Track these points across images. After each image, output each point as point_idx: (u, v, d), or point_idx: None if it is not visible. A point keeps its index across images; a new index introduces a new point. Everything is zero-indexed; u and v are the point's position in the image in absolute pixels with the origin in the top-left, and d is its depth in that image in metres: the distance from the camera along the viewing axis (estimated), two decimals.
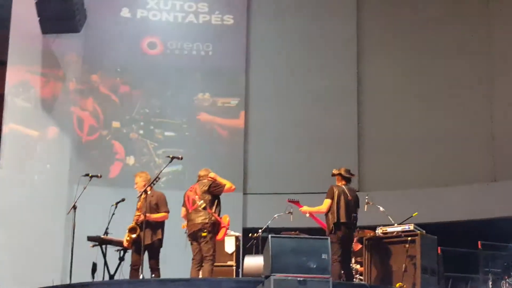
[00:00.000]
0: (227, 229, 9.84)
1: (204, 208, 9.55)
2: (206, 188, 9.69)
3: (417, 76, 14.56)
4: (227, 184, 9.80)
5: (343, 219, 9.76)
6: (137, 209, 9.82)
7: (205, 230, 9.51)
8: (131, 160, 14.68)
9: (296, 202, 10.53)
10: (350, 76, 15.02)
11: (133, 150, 14.82)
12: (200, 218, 9.54)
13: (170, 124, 15.09)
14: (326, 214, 9.91)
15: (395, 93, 14.65)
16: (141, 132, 15.01)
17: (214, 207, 9.64)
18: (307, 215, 10.38)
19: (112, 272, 10.01)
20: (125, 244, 9.75)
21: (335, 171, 10.33)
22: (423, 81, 14.38)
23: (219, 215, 9.68)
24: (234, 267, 10.90)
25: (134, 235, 9.62)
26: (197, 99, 15.28)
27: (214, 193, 9.69)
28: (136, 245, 9.63)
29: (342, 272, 9.64)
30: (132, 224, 9.68)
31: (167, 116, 15.14)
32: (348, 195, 9.95)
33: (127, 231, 9.69)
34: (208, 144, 15.02)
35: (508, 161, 13.13)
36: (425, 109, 14.36)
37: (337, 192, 9.95)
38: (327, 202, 9.92)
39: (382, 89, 14.80)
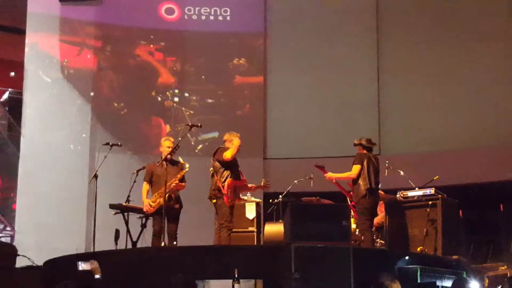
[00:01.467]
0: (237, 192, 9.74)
1: (212, 176, 9.58)
2: (213, 155, 9.71)
3: (437, 41, 14.31)
4: (226, 154, 9.63)
5: (374, 185, 9.78)
6: (158, 176, 9.80)
7: (213, 197, 9.56)
8: (167, 128, 14.72)
9: (322, 168, 10.48)
10: (370, 41, 14.86)
11: (168, 118, 14.84)
12: (211, 186, 9.60)
13: (205, 91, 15.03)
14: (355, 180, 9.89)
15: (414, 57, 14.43)
16: (176, 99, 15.03)
17: (221, 174, 9.62)
18: (333, 181, 10.36)
19: (134, 239, 10.08)
20: (150, 209, 9.78)
21: (356, 141, 10.31)
22: (443, 46, 14.16)
23: (234, 179, 9.63)
24: (255, 233, 10.92)
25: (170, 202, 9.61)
26: (232, 64, 15.19)
27: (218, 160, 9.67)
28: (161, 212, 9.67)
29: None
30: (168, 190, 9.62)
31: (200, 83, 15.09)
32: (375, 162, 9.96)
33: (157, 196, 9.66)
34: (234, 110, 14.99)
35: None
36: (443, 74, 14.13)
37: (366, 158, 9.95)
38: (356, 167, 9.89)
39: (401, 54, 14.60)
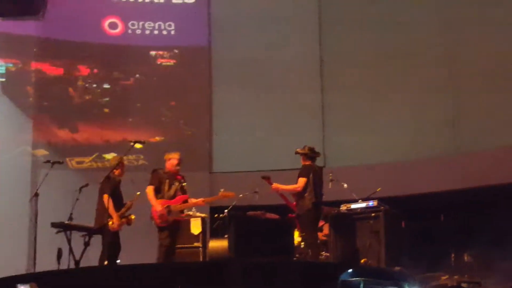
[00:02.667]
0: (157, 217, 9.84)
1: None
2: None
3: (380, 51, 14.47)
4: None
5: (319, 198, 9.82)
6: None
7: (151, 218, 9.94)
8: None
9: (268, 179, 10.48)
10: (313, 51, 14.95)
11: (111, 134, 14.67)
12: None
13: (136, 108, 14.92)
14: (300, 192, 9.90)
15: (358, 70, 14.50)
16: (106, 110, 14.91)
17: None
18: (279, 192, 10.36)
19: (77, 258, 9.95)
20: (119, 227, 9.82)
21: (299, 150, 10.32)
22: (387, 55, 14.31)
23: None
24: (200, 249, 10.88)
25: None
26: (177, 77, 15.20)
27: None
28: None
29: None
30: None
31: (145, 97, 15.01)
32: (319, 174, 10.00)
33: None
34: (175, 128, 14.91)
35: (469, 134, 13.17)
36: (386, 88, 14.26)
37: (312, 170, 9.97)
38: (302, 180, 9.91)
39: (345, 67, 14.66)
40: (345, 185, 10.70)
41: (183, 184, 10.13)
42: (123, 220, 9.95)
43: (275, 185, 10.31)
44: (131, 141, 10.50)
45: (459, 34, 13.66)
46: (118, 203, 10.01)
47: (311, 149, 10.34)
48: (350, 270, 8.48)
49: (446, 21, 13.84)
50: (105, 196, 9.74)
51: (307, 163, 10.24)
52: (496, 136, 12.59)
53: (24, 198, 11.33)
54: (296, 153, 10.34)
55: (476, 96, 13.12)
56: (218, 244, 10.32)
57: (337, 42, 14.85)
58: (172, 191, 9.98)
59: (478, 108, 13.03)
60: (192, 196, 12.30)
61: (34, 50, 14.60)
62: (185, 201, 10.08)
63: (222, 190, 10.24)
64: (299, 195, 10.04)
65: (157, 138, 14.57)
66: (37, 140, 14.08)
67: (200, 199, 10.21)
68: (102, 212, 9.84)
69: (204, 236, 11.04)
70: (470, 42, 13.46)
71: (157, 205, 9.78)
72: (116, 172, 10.19)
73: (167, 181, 10.01)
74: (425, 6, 14.14)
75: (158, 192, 9.93)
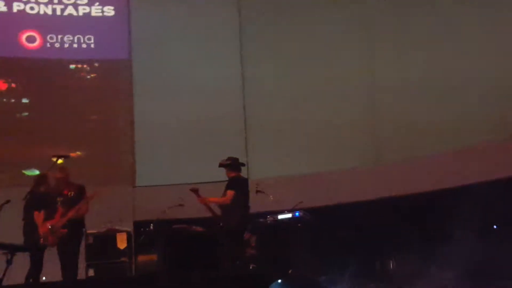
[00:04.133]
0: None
1: None
2: None
3: (302, 60, 14.65)
4: None
5: (247, 210, 9.83)
6: None
7: None
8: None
9: (196, 192, 10.43)
10: (234, 66, 15.07)
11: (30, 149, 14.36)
12: None
13: (57, 122, 14.70)
14: (228, 205, 9.86)
15: (279, 80, 14.69)
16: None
17: None
18: (206, 205, 10.34)
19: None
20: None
21: (223, 162, 10.30)
22: (307, 64, 14.50)
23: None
24: (127, 263, 10.82)
25: None
26: (98, 90, 15.04)
27: None
28: None
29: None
30: None
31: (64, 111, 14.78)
32: (246, 185, 10.02)
33: None
34: (97, 142, 14.78)
35: (388, 145, 13.46)
36: (307, 96, 14.44)
37: (240, 183, 9.97)
38: (231, 193, 9.86)
39: (267, 76, 14.81)
40: (271, 197, 10.79)
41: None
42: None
43: (203, 198, 10.28)
44: (53, 156, 10.39)
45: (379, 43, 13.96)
46: (50, 217, 9.93)
47: (236, 160, 10.36)
48: (279, 281, 8.61)
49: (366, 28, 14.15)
50: (36, 213, 9.69)
51: (233, 174, 10.22)
52: (412, 147, 12.91)
53: None
54: (220, 165, 10.31)
55: (394, 107, 13.44)
56: (146, 258, 10.31)
57: (257, 55, 14.98)
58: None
59: (395, 120, 13.33)
60: (113, 211, 12.33)
61: None
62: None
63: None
64: (227, 207, 10.02)
65: (79, 153, 14.38)
66: None
67: None
68: (31, 228, 9.73)
69: (130, 251, 10.97)
70: (387, 54, 13.80)
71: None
72: (42, 188, 10.11)
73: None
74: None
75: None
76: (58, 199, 10.03)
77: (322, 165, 13.70)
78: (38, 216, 9.91)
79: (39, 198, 10.03)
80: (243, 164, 10.54)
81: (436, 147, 12.52)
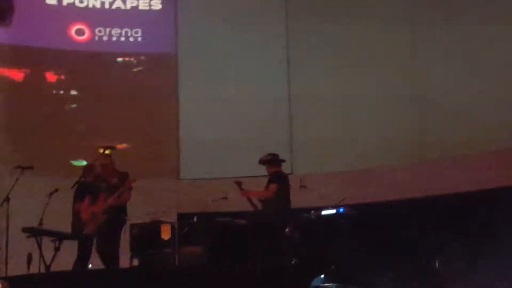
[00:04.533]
0: None
1: None
2: None
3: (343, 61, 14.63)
4: None
5: (288, 205, 9.91)
6: None
7: None
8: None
9: (240, 185, 10.54)
10: (281, 60, 15.06)
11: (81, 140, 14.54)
12: None
13: (103, 114, 14.88)
14: (270, 199, 9.94)
15: (327, 75, 14.61)
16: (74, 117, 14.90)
17: None
18: (248, 198, 10.41)
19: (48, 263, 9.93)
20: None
21: (265, 157, 10.39)
22: (349, 62, 14.46)
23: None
24: (170, 254, 10.90)
25: None
26: (143, 84, 15.17)
27: None
28: None
29: None
30: None
31: (113, 104, 14.95)
32: (287, 180, 10.09)
33: None
34: (143, 135, 14.92)
35: (434, 142, 13.35)
36: (356, 92, 14.32)
37: (283, 177, 10.06)
38: (274, 186, 9.96)
39: (314, 70, 14.76)
40: (315, 193, 10.82)
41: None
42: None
43: (245, 191, 10.38)
44: (100, 147, 10.56)
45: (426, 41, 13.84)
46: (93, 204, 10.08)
47: (276, 156, 10.45)
48: (321, 276, 8.66)
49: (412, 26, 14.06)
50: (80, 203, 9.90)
51: (274, 169, 10.32)
52: (461, 144, 12.78)
53: None
54: (261, 161, 10.42)
55: (441, 103, 13.34)
56: (189, 250, 10.40)
57: (304, 47, 14.95)
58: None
59: (442, 116, 13.23)
60: (158, 203, 12.45)
61: (3, 56, 14.50)
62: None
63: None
64: (269, 201, 10.11)
65: (125, 145, 14.56)
66: (6, 146, 14.01)
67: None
68: (78, 217, 9.91)
69: (173, 242, 11.06)
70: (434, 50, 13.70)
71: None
72: (89, 178, 10.27)
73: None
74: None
75: None
76: (101, 186, 10.15)
77: (367, 161, 13.64)
78: (82, 203, 10.06)
79: (86, 187, 10.19)
80: (283, 160, 10.63)
81: (483, 145, 12.38)
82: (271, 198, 10.03)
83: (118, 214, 10.09)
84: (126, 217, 10.32)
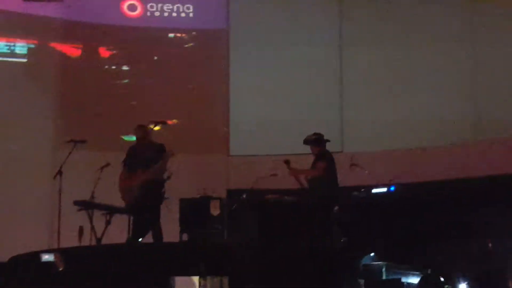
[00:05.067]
0: None
1: None
2: None
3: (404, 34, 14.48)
4: None
5: (336, 184, 9.87)
6: None
7: None
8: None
9: (288, 163, 10.53)
10: (333, 37, 14.90)
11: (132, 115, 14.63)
12: None
13: (154, 90, 14.95)
14: (318, 178, 9.91)
15: (380, 50, 14.42)
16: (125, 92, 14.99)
17: None
18: (296, 177, 10.39)
19: (98, 236, 10.05)
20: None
21: (310, 137, 10.35)
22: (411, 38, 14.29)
23: None
24: (220, 230, 10.96)
25: None
26: (194, 60, 15.15)
27: None
28: None
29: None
30: None
31: (163, 80, 14.97)
32: (333, 159, 10.04)
33: None
34: (193, 111, 14.93)
35: (489, 121, 13.11)
36: (409, 69, 14.18)
37: (330, 156, 10.02)
38: (323, 165, 9.92)
39: (366, 45, 14.54)
40: (366, 171, 10.74)
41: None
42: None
43: (294, 169, 10.36)
44: (151, 122, 10.61)
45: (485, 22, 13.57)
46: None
47: (321, 135, 10.43)
48: (371, 254, 8.59)
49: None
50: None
51: (320, 148, 10.29)
52: None
53: (47, 176, 11.43)
54: (306, 141, 10.37)
55: (498, 85, 13.06)
56: (238, 226, 10.43)
57: (358, 23, 14.76)
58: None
59: (499, 96, 12.98)
60: (207, 179, 12.50)
61: (56, 31, 14.64)
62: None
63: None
64: (317, 179, 10.08)
65: (175, 121, 14.61)
66: (59, 120, 14.20)
67: None
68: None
69: (223, 218, 11.11)
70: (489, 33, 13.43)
71: None
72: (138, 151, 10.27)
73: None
74: None
75: None
76: (138, 157, 10.12)
77: (419, 140, 13.47)
78: (121, 175, 10.10)
79: (132, 161, 10.20)
80: (328, 140, 10.57)
81: None
82: (319, 176, 9.97)
83: (155, 187, 10.05)
84: (163, 190, 10.24)
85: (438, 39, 13.95)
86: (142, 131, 10.25)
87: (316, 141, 10.33)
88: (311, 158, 10.61)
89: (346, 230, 10.19)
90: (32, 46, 14.61)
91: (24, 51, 14.50)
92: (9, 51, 14.40)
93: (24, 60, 14.51)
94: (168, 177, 10.40)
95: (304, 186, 10.48)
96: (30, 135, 13.83)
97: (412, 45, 14.17)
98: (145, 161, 10.06)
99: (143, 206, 9.92)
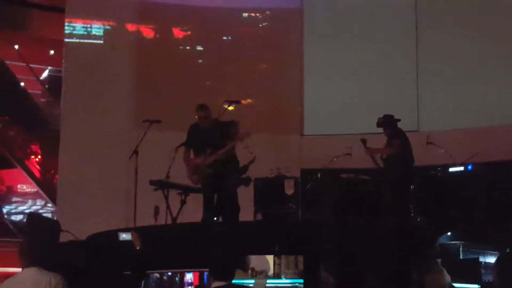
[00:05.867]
0: None
1: None
2: None
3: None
4: None
5: (413, 162, 9.76)
6: None
7: None
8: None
9: (364, 142, 10.46)
10: (409, 16, 14.64)
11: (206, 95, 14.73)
12: None
13: (228, 70, 15.01)
14: (392, 157, 9.80)
15: (455, 28, 14.11)
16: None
17: None
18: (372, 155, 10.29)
19: (174, 215, 10.16)
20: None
21: (382, 119, 10.25)
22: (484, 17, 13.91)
23: None
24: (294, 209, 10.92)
25: None
26: (268, 39, 15.16)
27: None
28: None
29: None
30: None
31: (237, 59, 15.04)
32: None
33: None
34: (267, 90, 14.92)
35: None
36: (483, 47, 13.85)
37: (404, 135, 9.92)
38: (397, 143, 9.83)
39: (442, 23, 14.27)
40: (442, 149, 10.57)
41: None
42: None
43: (370, 148, 10.29)
44: (225, 102, 10.60)
45: None
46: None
47: (392, 116, 10.33)
48: (449, 233, 8.45)
49: None
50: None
51: (394, 128, 10.19)
52: None
53: (123, 155, 11.60)
54: (379, 124, 10.25)
55: None
56: (313, 205, 10.41)
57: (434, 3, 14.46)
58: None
59: None
60: (281, 158, 12.48)
61: (131, 12, 14.83)
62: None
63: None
64: (392, 158, 9.97)
65: (249, 100, 14.63)
66: (134, 101, 14.43)
67: None
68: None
69: (297, 197, 11.07)
70: None
71: None
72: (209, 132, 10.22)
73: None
74: None
75: None
76: (204, 138, 10.03)
77: (496, 118, 13.14)
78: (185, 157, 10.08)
79: (197, 141, 10.13)
80: (399, 119, 10.44)
81: None
82: (394, 155, 9.86)
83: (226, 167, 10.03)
84: (246, 173, 10.33)
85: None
86: (205, 111, 10.14)
87: (387, 122, 10.22)
88: (385, 138, 10.51)
89: (424, 209, 10.04)
90: (108, 27, 14.86)
91: (100, 32, 14.76)
92: (85, 32, 14.68)
93: (101, 41, 14.75)
94: (252, 161, 10.47)
95: (379, 166, 10.38)
96: (107, 115, 14.12)
97: (487, 28, 13.79)
98: (213, 140, 10.00)
99: (218, 185, 9.93)
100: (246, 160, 10.49)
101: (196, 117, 10.06)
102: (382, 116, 10.50)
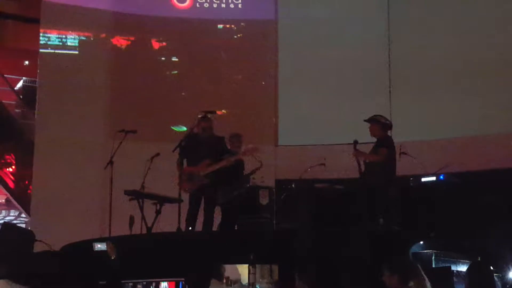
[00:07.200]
0: None
1: None
2: None
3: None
4: None
5: (395, 172, 9.76)
6: None
7: None
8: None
9: (355, 144, 10.34)
10: (380, 24, 14.77)
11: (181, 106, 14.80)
12: None
13: (203, 81, 15.05)
14: (379, 164, 9.77)
15: (428, 36, 14.31)
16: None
17: None
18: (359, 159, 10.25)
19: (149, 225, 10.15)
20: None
21: (381, 118, 10.14)
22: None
23: None
24: (268, 219, 10.97)
25: None
26: (243, 51, 15.32)
27: None
28: None
29: None
30: None
31: (212, 71, 15.16)
32: None
33: None
34: (241, 101, 15.02)
35: None
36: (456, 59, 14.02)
37: (392, 142, 9.87)
38: (384, 151, 9.76)
39: (415, 32, 14.43)
40: (415, 160, 10.64)
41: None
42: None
43: (359, 151, 10.14)
44: (200, 113, 10.62)
45: None
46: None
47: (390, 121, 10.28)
48: (421, 242, 8.53)
49: None
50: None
51: (385, 134, 10.10)
52: None
53: (98, 166, 11.59)
54: (374, 120, 10.10)
55: None
56: (287, 215, 10.46)
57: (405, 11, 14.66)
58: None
59: None
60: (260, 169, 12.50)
61: (106, 23, 14.86)
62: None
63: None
64: (377, 165, 9.85)
65: (224, 111, 14.69)
66: (110, 111, 14.43)
67: None
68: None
69: (271, 207, 11.11)
70: None
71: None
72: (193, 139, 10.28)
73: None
74: None
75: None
76: (200, 149, 10.13)
77: (469, 129, 13.30)
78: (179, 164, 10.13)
79: (187, 149, 10.21)
80: (390, 125, 10.38)
81: None
82: (379, 162, 9.79)
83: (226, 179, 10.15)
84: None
85: (496, 24, 13.79)
86: (209, 122, 10.24)
87: (385, 125, 10.12)
88: (363, 148, 10.46)
89: (397, 218, 10.12)
90: (84, 38, 14.87)
91: (75, 43, 14.77)
92: (60, 43, 14.68)
93: (76, 52, 14.76)
94: (257, 169, 10.58)
95: (361, 171, 10.25)
96: (82, 125, 14.11)
97: (464, 34, 13.96)
98: (211, 152, 10.11)
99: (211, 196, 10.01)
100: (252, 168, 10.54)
101: (200, 126, 10.15)
102: (379, 115, 10.36)
